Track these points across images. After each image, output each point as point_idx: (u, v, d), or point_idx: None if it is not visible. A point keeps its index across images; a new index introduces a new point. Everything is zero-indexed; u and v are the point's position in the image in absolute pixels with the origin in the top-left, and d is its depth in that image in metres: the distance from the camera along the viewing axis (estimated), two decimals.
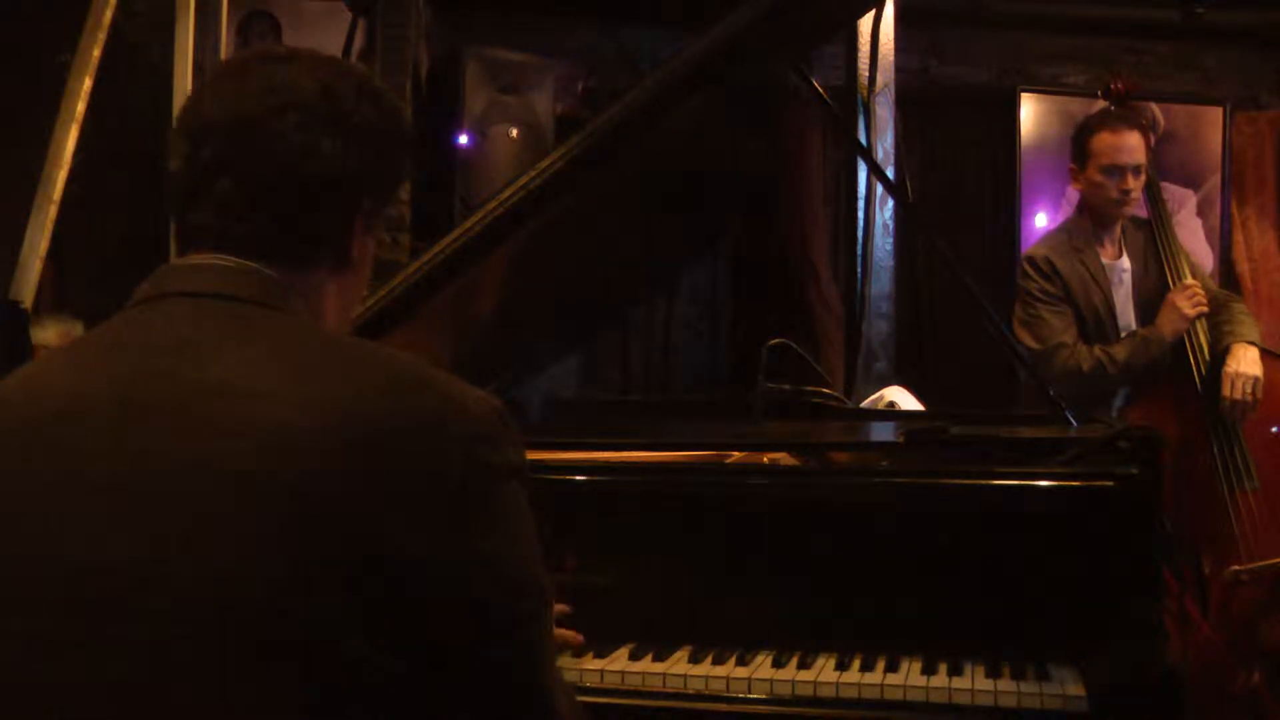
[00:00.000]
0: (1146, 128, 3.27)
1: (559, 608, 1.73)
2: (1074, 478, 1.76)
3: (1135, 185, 3.15)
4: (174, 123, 1.14)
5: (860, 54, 3.78)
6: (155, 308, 1.08)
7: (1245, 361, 2.97)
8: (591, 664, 1.71)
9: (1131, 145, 3.13)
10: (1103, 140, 3.13)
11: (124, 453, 0.98)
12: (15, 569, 0.98)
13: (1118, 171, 3.13)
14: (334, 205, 1.13)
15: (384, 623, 0.95)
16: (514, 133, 4.22)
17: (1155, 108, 4.51)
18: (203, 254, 1.10)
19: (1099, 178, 3.15)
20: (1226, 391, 2.95)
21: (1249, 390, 2.94)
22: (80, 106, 2.76)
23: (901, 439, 2.05)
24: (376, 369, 1.03)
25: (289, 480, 0.95)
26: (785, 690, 1.66)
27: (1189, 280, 3.13)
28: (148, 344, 1.04)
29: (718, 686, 1.68)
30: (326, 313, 1.16)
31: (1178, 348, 3.08)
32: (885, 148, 3.80)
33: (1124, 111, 3.28)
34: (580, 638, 1.76)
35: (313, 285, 1.13)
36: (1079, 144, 3.22)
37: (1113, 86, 3.38)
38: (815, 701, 1.65)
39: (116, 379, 1.02)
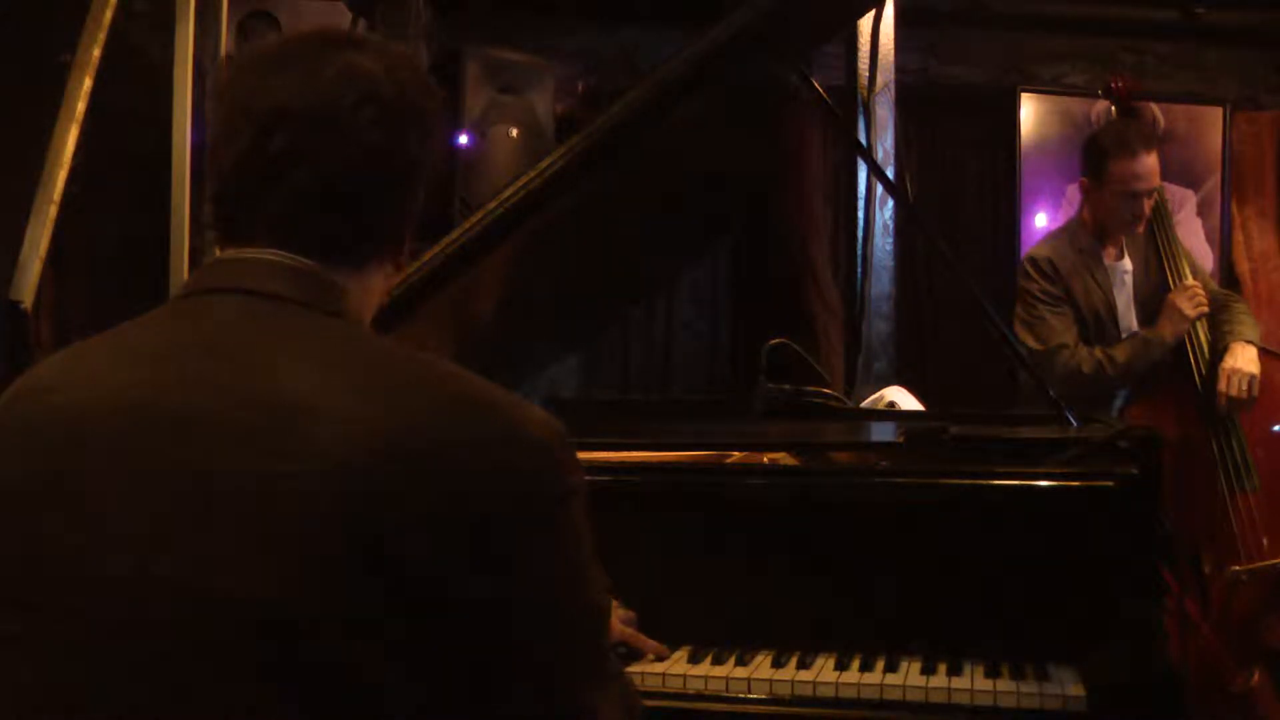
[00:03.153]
0: (1154, 137, 3.26)
1: (624, 613, 1.73)
2: (1074, 478, 1.76)
3: (1149, 205, 3.15)
4: (228, 100, 1.07)
5: (860, 54, 3.78)
6: (212, 303, 1.04)
7: (1243, 359, 2.97)
8: None
9: (1149, 171, 3.10)
10: (1122, 167, 3.09)
11: (173, 465, 0.94)
12: (49, 568, 0.95)
13: (1135, 197, 3.12)
14: (400, 200, 1.11)
15: (425, 645, 0.93)
16: (514, 133, 4.21)
17: (1155, 108, 4.50)
18: (263, 248, 1.05)
19: (1114, 202, 3.14)
20: (1223, 387, 2.95)
21: (1244, 387, 2.94)
22: (80, 106, 2.76)
23: (901, 439, 2.05)
24: (438, 389, 0.99)
25: (340, 503, 0.91)
26: (785, 690, 1.66)
27: (1189, 281, 3.13)
28: (202, 347, 1.00)
29: (717, 686, 1.68)
30: (371, 303, 1.13)
31: (1178, 348, 3.08)
32: (885, 148, 3.80)
33: (1138, 126, 3.25)
34: (664, 649, 1.75)
35: (364, 284, 1.10)
36: (1095, 162, 3.16)
37: (1113, 86, 3.38)
38: (815, 701, 1.65)
39: (169, 383, 0.98)
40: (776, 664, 1.71)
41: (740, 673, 1.69)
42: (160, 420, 0.96)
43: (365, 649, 0.91)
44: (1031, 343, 3.11)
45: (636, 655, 1.74)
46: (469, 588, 0.94)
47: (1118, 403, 3.19)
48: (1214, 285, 3.43)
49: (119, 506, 0.94)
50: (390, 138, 1.06)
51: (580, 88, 4.52)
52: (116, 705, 0.92)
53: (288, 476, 0.91)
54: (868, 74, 3.77)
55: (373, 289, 1.13)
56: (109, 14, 2.84)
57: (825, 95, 2.30)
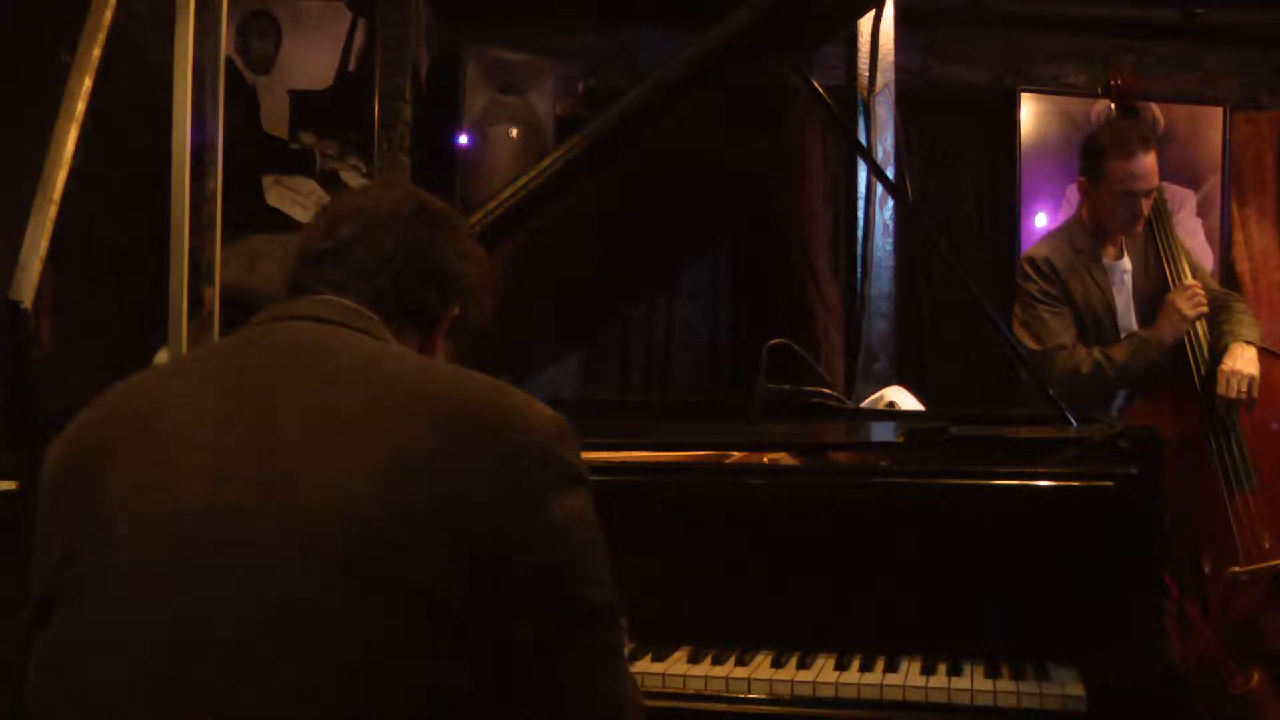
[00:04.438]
0: (1153, 137, 3.26)
1: None
2: (1074, 478, 1.76)
3: (1147, 205, 3.15)
4: (322, 210, 1.40)
5: (860, 54, 3.78)
6: (282, 326, 1.25)
7: (1242, 360, 2.97)
8: None
9: (1147, 170, 3.09)
10: (1121, 166, 3.08)
11: (256, 404, 1.13)
12: (137, 506, 1.09)
13: (1133, 197, 3.12)
14: (436, 293, 1.36)
15: (470, 596, 1.05)
16: (514, 133, 4.22)
17: (1155, 108, 4.51)
18: (325, 295, 1.29)
19: (1113, 202, 3.13)
20: (1222, 390, 2.95)
21: (1244, 389, 2.94)
22: (80, 106, 2.76)
23: (901, 439, 2.05)
24: (463, 378, 1.19)
25: (405, 443, 1.09)
26: (785, 690, 1.67)
27: (1189, 281, 3.13)
28: (276, 348, 1.21)
29: (717, 686, 1.68)
30: None
31: (1178, 348, 3.08)
32: (885, 148, 3.80)
33: (1138, 126, 3.24)
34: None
35: (397, 333, 1.32)
36: (1093, 162, 3.16)
37: (1114, 83, 3.37)
38: (815, 702, 1.65)
39: (251, 367, 1.19)
40: (776, 664, 1.71)
41: (740, 673, 1.69)
42: (238, 388, 1.16)
43: (423, 573, 1.05)
44: (1030, 343, 3.11)
45: None
46: (520, 539, 1.09)
47: (1118, 403, 3.19)
48: (1214, 285, 3.43)
49: (205, 447, 1.11)
50: (435, 240, 1.36)
51: (580, 88, 4.52)
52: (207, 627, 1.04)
53: (362, 406, 1.12)
54: (868, 74, 3.77)
55: (405, 342, 1.34)
56: (109, 14, 2.84)
57: (825, 95, 2.30)
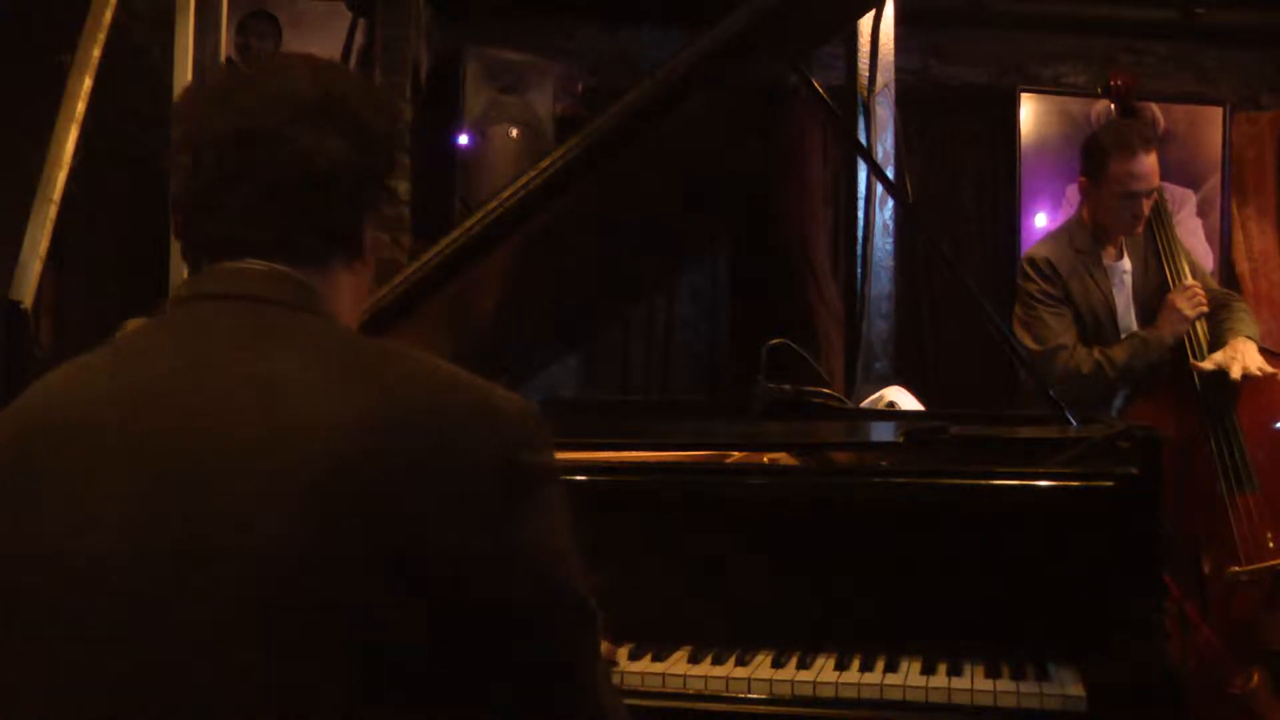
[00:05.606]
0: (1154, 137, 3.25)
1: None
2: (1074, 478, 1.76)
3: (1148, 205, 3.14)
4: (175, 138, 1.16)
5: (860, 54, 3.77)
6: (193, 309, 1.11)
7: (1241, 349, 2.96)
8: None
9: (1148, 171, 3.09)
10: (1122, 167, 3.08)
11: (168, 440, 1.00)
12: (50, 566, 0.99)
13: (1133, 198, 3.12)
14: (346, 202, 1.16)
15: (419, 621, 0.96)
16: (514, 133, 4.22)
17: (1155, 108, 4.51)
18: (232, 261, 1.12)
19: (1113, 202, 3.13)
20: (1221, 360, 2.93)
21: (1249, 369, 2.91)
22: (80, 106, 2.76)
23: (901, 439, 2.05)
24: (412, 369, 1.06)
25: (329, 472, 0.96)
26: (785, 690, 1.66)
27: (1189, 281, 3.13)
28: (190, 339, 1.08)
29: (717, 686, 1.68)
30: (343, 307, 1.19)
31: (1178, 348, 3.07)
32: (885, 148, 3.79)
33: (1138, 126, 3.24)
34: (609, 646, 1.75)
35: (331, 282, 1.17)
36: (1094, 161, 3.16)
37: (1114, 83, 3.37)
38: (815, 701, 1.65)
39: (161, 374, 1.04)
40: (776, 664, 1.71)
41: (740, 673, 1.69)
42: (151, 410, 1.02)
43: (360, 618, 0.95)
44: (1030, 343, 3.10)
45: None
46: (452, 548, 0.98)
47: (1117, 403, 3.18)
48: (1214, 285, 3.43)
49: (116, 488, 0.99)
50: (324, 144, 1.13)
51: (580, 88, 4.53)
52: (106, 679, 0.95)
53: (277, 447, 0.97)
54: (868, 74, 3.77)
55: (340, 288, 1.18)
56: (109, 14, 2.84)
57: (825, 95, 2.30)
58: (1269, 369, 2.95)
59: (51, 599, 0.98)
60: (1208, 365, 2.98)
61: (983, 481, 1.80)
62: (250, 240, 1.12)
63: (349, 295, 1.20)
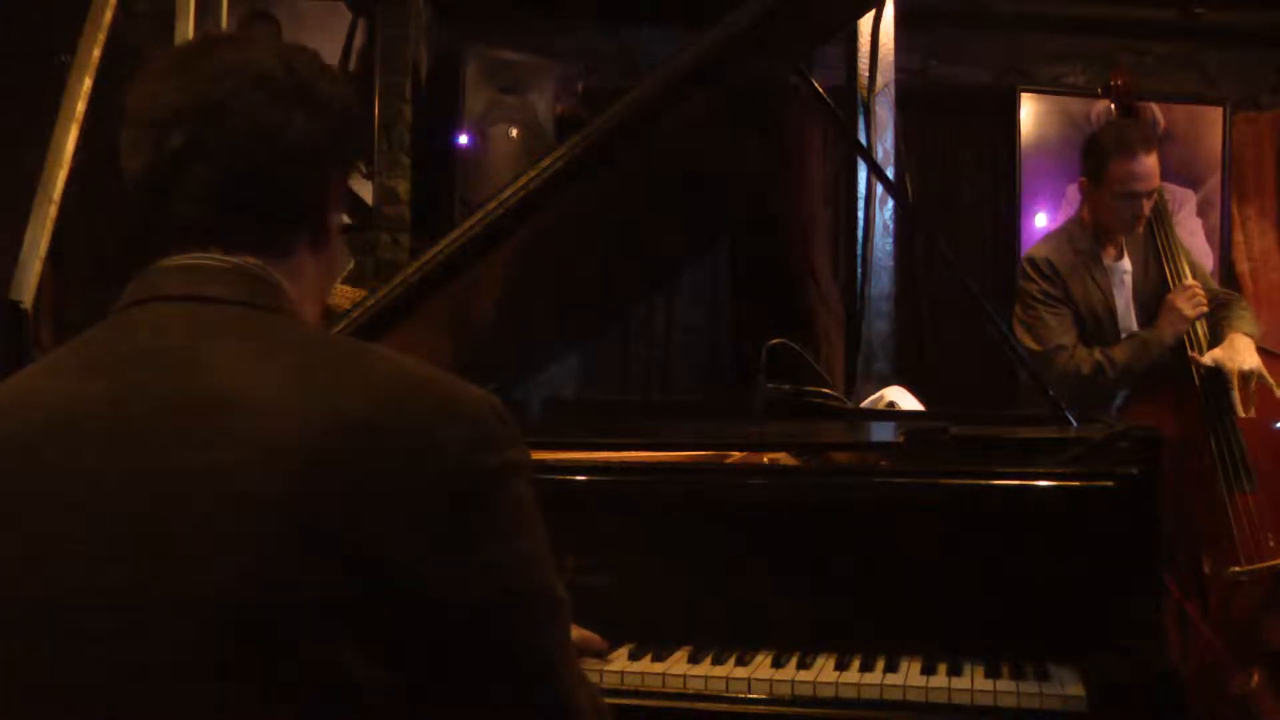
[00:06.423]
0: (1154, 137, 3.25)
1: None
2: (1074, 478, 1.76)
3: (1148, 205, 3.14)
4: (127, 118, 1.10)
5: (860, 54, 3.78)
6: (147, 311, 1.06)
7: (1239, 347, 2.96)
8: (590, 664, 1.71)
9: (1149, 171, 3.09)
10: (1122, 167, 3.08)
11: (119, 468, 0.96)
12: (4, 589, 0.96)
13: (1134, 198, 3.12)
14: (309, 180, 1.12)
15: (386, 631, 0.94)
16: (514, 133, 4.22)
17: (1155, 108, 4.51)
18: (190, 253, 1.07)
19: (1114, 202, 3.13)
20: (1220, 356, 2.94)
21: (1243, 370, 2.91)
22: (80, 106, 2.76)
23: (901, 439, 2.05)
24: (372, 371, 1.01)
25: (287, 492, 0.93)
26: (785, 690, 1.66)
27: (1189, 281, 3.13)
28: (142, 352, 1.02)
29: (717, 686, 1.68)
30: (309, 293, 1.15)
31: (1178, 348, 3.08)
32: (885, 148, 3.80)
33: (1138, 126, 3.24)
34: (604, 642, 1.75)
35: (295, 268, 1.12)
36: (1095, 162, 3.16)
37: (1114, 83, 3.37)
38: (815, 701, 1.65)
39: (111, 390, 0.99)
40: (776, 664, 1.71)
41: (740, 673, 1.69)
42: (98, 432, 0.97)
43: (328, 635, 0.92)
44: (1030, 343, 3.11)
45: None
46: (416, 558, 0.95)
47: (1117, 403, 3.19)
48: (1214, 285, 3.43)
49: (64, 522, 0.95)
50: (286, 117, 1.07)
51: (580, 88, 4.53)
52: (66, 704, 0.93)
53: (230, 467, 0.93)
54: (868, 74, 3.77)
55: (305, 276, 1.14)
56: (109, 14, 2.84)
57: (825, 95, 2.30)
58: (1263, 370, 2.95)
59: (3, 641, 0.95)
60: (1205, 360, 2.98)
61: (983, 481, 1.80)
62: (210, 226, 1.07)
63: (314, 283, 1.16)
